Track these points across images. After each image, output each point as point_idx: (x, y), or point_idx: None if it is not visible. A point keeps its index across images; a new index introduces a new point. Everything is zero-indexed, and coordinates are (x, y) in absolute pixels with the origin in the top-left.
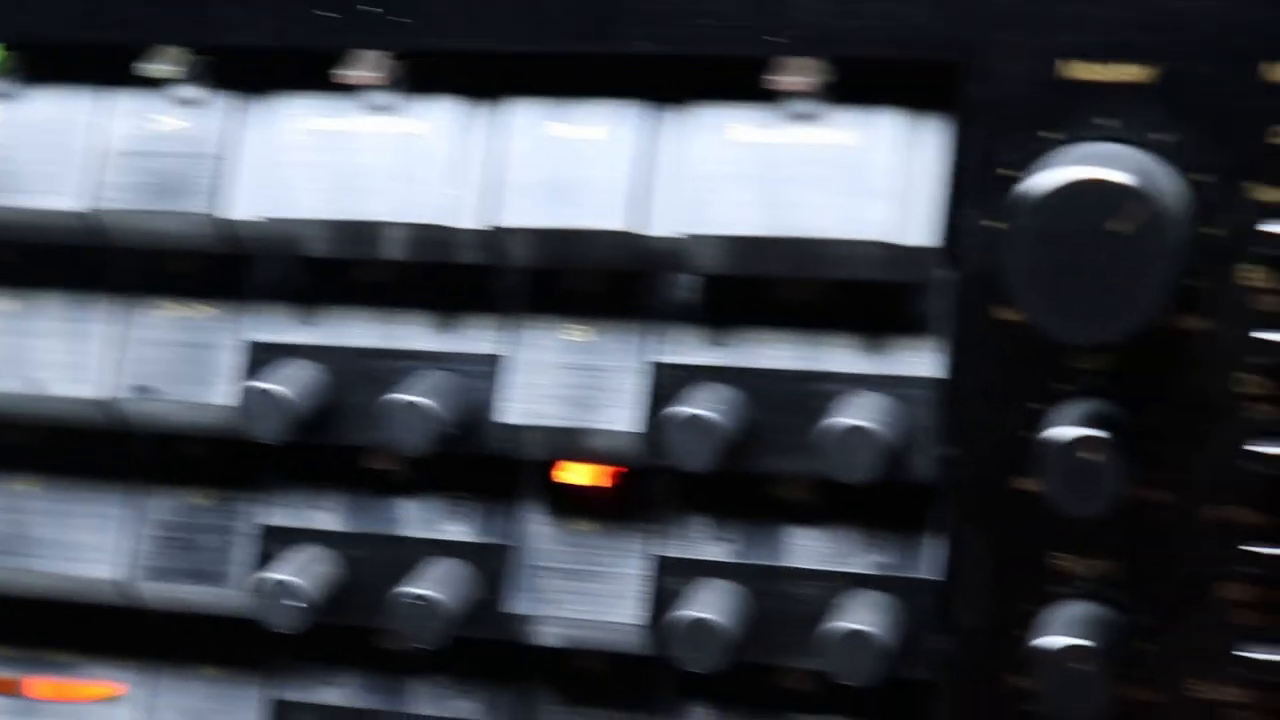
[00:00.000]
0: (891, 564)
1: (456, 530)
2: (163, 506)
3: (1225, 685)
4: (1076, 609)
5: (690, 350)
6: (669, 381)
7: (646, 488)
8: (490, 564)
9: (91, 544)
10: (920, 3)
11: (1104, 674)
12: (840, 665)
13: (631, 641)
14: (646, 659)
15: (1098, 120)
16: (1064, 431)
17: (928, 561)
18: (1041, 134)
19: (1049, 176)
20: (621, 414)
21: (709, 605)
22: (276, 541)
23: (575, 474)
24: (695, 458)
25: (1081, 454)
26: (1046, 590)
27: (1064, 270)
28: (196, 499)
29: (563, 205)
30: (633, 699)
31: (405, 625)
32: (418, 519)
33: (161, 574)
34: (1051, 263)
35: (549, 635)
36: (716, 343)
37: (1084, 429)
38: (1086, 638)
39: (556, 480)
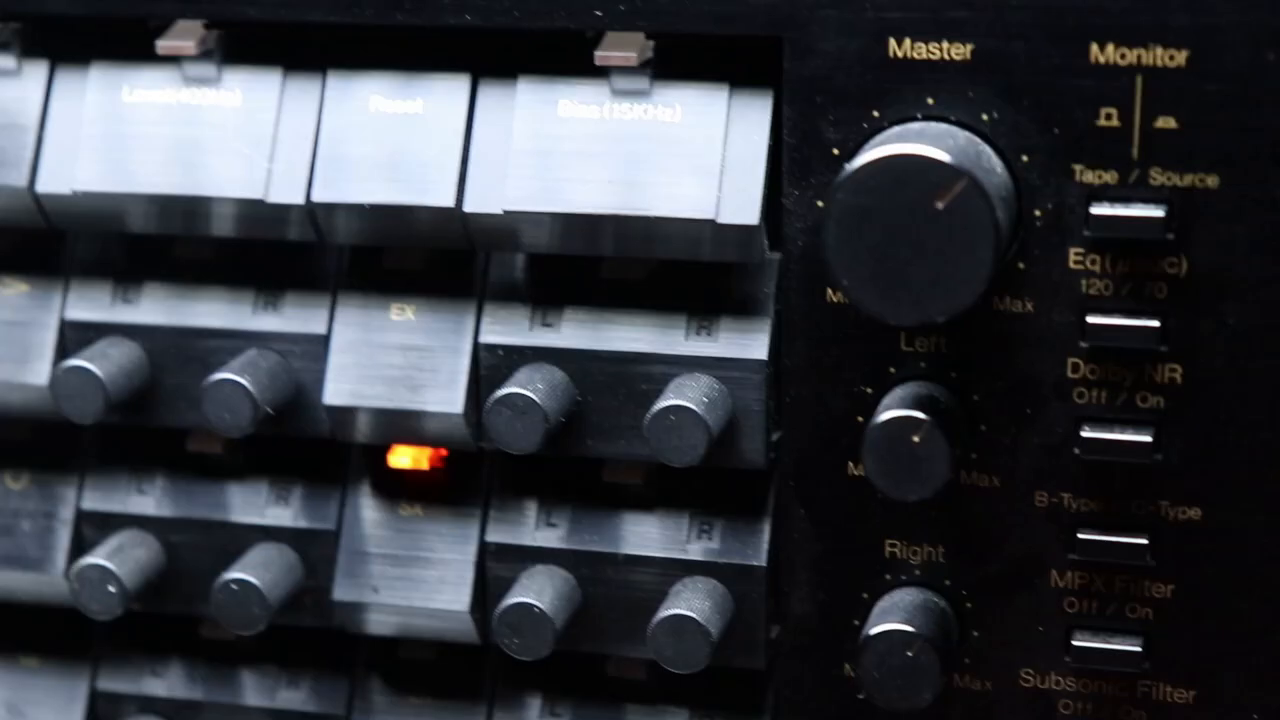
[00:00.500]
0: (723, 550)
1: (281, 515)
2: None
3: (1058, 674)
4: (907, 596)
5: (516, 331)
6: (494, 363)
7: (474, 472)
8: (316, 550)
9: None
10: None
11: (935, 662)
12: (670, 654)
13: (460, 629)
14: (475, 647)
15: (923, 98)
16: (886, 414)
17: (760, 548)
18: (866, 112)
19: (866, 154)
20: (447, 395)
21: (537, 592)
22: (95, 526)
23: (403, 457)
24: (518, 440)
25: (904, 436)
26: (877, 577)
27: (884, 249)
28: (13, 483)
29: (389, 182)
30: (462, 688)
31: (227, 613)
32: (241, 504)
33: None
34: (871, 242)
35: (377, 623)
36: (543, 323)
37: (905, 410)
38: (917, 625)
39: (383, 464)
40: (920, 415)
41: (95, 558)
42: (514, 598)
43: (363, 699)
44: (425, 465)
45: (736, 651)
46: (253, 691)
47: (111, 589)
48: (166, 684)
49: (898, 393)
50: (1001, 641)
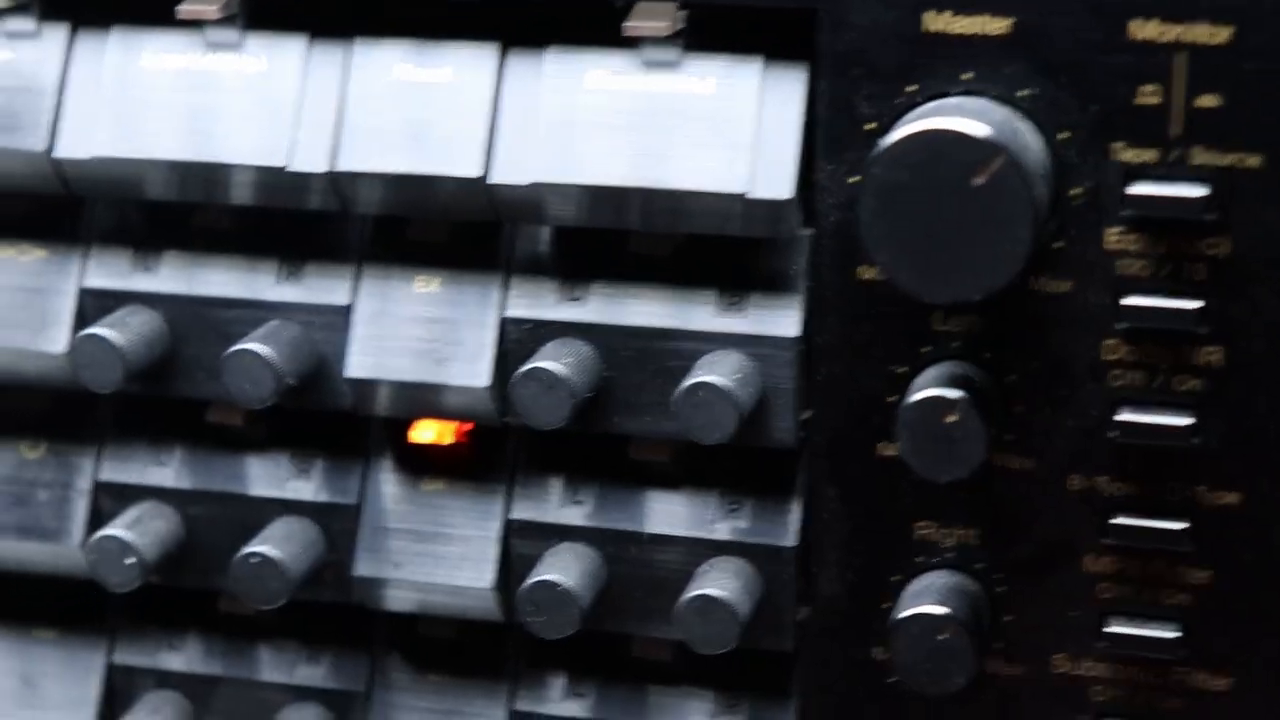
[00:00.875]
0: (752, 530)
1: (302, 489)
2: None
3: (1091, 660)
4: (939, 579)
5: (543, 305)
6: (519, 336)
7: (499, 447)
8: (337, 524)
9: None
10: None
11: (967, 646)
12: (697, 634)
13: (483, 607)
14: (498, 626)
15: (960, 74)
16: (920, 393)
17: (789, 529)
18: (901, 86)
19: (903, 129)
20: (472, 369)
21: (563, 570)
22: (112, 498)
23: (426, 432)
24: (545, 415)
25: (938, 416)
26: (908, 559)
27: (920, 226)
28: (30, 452)
29: (414, 151)
30: (483, 667)
31: (247, 587)
32: (262, 477)
33: None
34: (907, 218)
35: (398, 599)
36: (571, 298)
37: (940, 390)
38: (949, 608)
39: (406, 438)
40: (955, 395)
41: (113, 529)
42: (539, 575)
43: (382, 676)
44: (448, 440)
45: (764, 633)
46: (271, 667)
47: (129, 561)
48: (184, 658)
49: (931, 372)
50: (1034, 626)
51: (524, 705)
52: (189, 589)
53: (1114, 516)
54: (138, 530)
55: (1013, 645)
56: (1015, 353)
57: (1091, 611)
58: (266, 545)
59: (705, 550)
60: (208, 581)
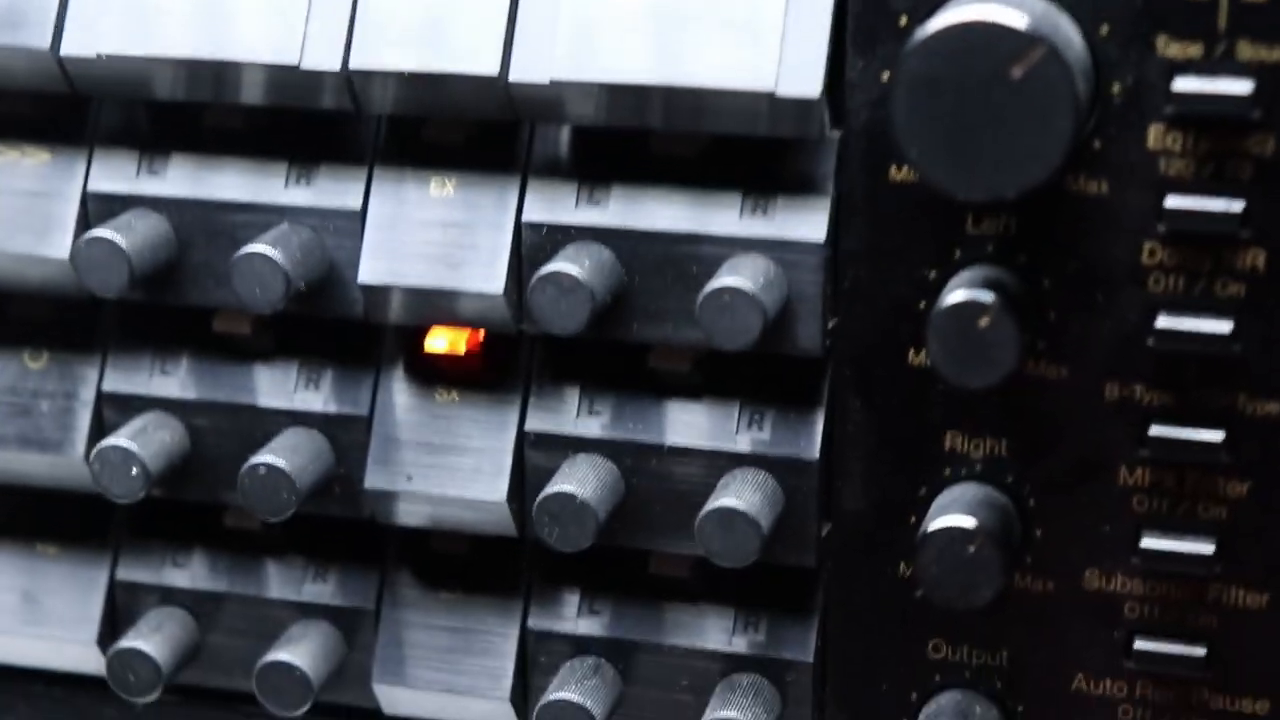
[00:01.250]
0: (774, 442)
1: (311, 400)
2: None
3: (1124, 576)
4: (968, 491)
5: (562, 208)
6: (537, 241)
7: (514, 357)
8: (347, 436)
9: None
10: None
11: (996, 559)
12: (718, 546)
13: (497, 520)
14: (511, 541)
15: None
16: (952, 297)
17: (813, 441)
18: None
19: (938, 19)
20: (488, 274)
21: (579, 481)
22: (116, 408)
23: (439, 341)
24: (563, 321)
25: (970, 321)
26: (936, 472)
27: (955, 121)
28: (32, 362)
29: (430, 48)
30: (496, 583)
31: (253, 498)
32: (269, 387)
33: None
34: (941, 113)
35: (409, 513)
36: (589, 201)
37: (973, 293)
38: (979, 520)
39: (419, 348)
40: (988, 298)
41: (117, 439)
42: (555, 486)
43: (392, 593)
44: (462, 349)
45: (786, 548)
46: (278, 584)
47: (134, 471)
48: (188, 574)
49: (964, 276)
50: (1065, 541)
51: (538, 623)
52: (194, 503)
53: (1150, 427)
54: (142, 440)
55: (1043, 560)
56: (1050, 257)
57: (1125, 526)
58: (274, 455)
59: (726, 463)
60: (214, 495)
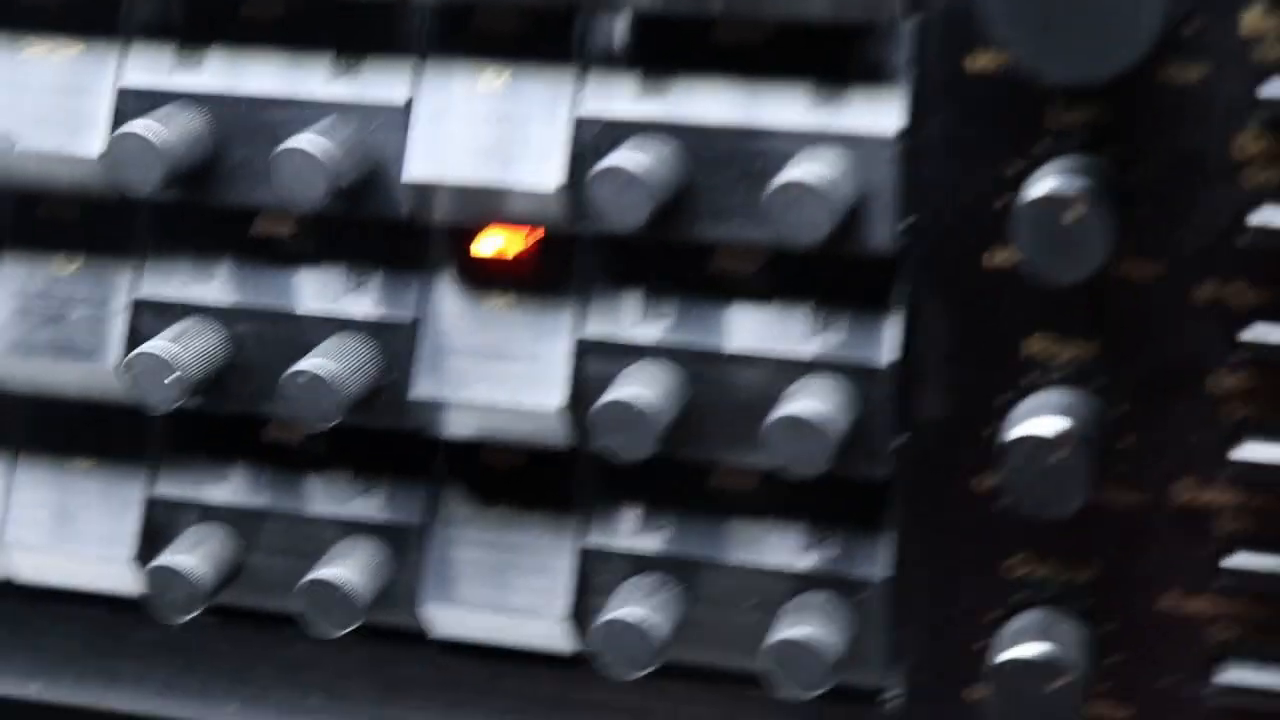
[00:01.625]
0: (844, 346)
1: (356, 305)
2: (23, 274)
3: (1217, 487)
4: (1052, 397)
5: (620, 101)
6: (595, 135)
7: (569, 259)
8: (393, 343)
9: None
10: None
11: (1084, 466)
12: (786, 455)
13: (551, 430)
14: (567, 453)
15: None
16: (1036, 189)
17: (886, 345)
18: None
19: None
20: (541, 170)
21: (639, 388)
22: (152, 315)
23: (491, 242)
24: (623, 216)
25: (1056, 215)
26: (1017, 378)
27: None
28: (63, 267)
29: None
30: (551, 497)
31: (296, 407)
32: (312, 291)
33: (24, 349)
34: None
35: (459, 423)
36: (650, 92)
37: (1062, 182)
38: (1065, 425)
39: (468, 250)
40: (1077, 189)
41: (152, 346)
42: (613, 394)
43: (441, 509)
44: (515, 252)
45: (858, 460)
46: (322, 499)
47: (170, 378)
48: (228, 490)
49: (1050, 167)
50: (1154, 450)
51: (595, 539)
52: (234, 415)
53: (1244, 329)
54: (178, 347)
55: (1131, 471)
56: (1139, 149)
57: (1218, 434)
58: (316, 362)
59: (793, 369)
60: (254, 406)
